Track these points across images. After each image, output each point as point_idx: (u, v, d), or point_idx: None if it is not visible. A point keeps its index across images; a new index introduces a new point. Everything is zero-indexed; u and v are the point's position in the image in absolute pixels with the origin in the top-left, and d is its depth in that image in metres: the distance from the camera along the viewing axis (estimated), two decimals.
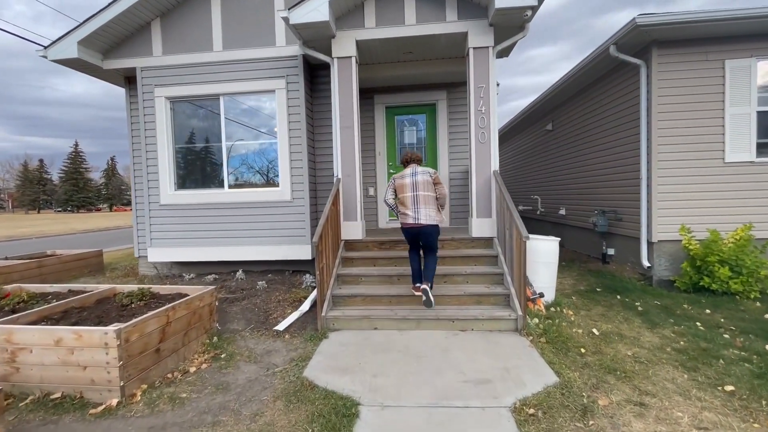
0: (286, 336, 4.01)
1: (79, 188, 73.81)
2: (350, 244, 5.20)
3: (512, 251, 4.21)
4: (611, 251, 6.74)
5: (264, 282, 5.43)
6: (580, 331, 3.93)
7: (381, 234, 5.74)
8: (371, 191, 6.81)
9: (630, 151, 6.02)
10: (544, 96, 8.92)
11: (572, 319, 4.30)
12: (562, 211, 8.85)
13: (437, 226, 4.06)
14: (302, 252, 5.78)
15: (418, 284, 4.16)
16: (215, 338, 3.88)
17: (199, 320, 3.73)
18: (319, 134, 6.24)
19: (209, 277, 5.82)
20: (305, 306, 4.54)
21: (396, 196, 4.19)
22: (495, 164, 5.03)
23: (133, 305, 3.66)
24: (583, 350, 3.47)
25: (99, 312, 3.53)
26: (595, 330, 3.95)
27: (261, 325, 4.30)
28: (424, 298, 3.91)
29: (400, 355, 3.44)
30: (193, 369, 3.32)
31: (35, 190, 73.00)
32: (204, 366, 3.39)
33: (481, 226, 5.05)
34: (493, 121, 5.01)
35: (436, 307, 4.09)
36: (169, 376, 3.18)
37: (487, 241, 5.05)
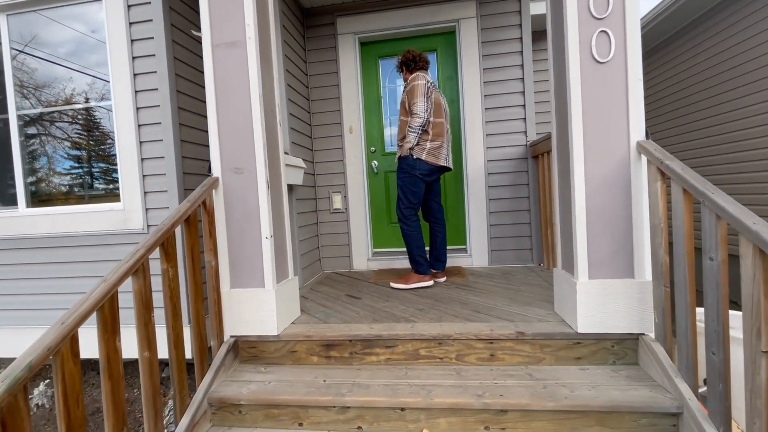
0: None
1: None
2: (252, 350, 2.03)
3: None
4: None
5: None
6: None
7: (341, 312, 2.54)
8: (337, 201, 3.61)
9: None
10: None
11: None
12: None
13: None
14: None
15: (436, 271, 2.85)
16: None
17: None
18: None
19: None
20: None
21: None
22: (639, 126, 1.78)
23: None
24: None
25: None
26: None
27: None
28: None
29: None
30: None
31: None
32: None
33: (600, 302, 1.79)
34: (633, 8, 1.76)
35: None
36: None
37: (622, 345, 1.80)
